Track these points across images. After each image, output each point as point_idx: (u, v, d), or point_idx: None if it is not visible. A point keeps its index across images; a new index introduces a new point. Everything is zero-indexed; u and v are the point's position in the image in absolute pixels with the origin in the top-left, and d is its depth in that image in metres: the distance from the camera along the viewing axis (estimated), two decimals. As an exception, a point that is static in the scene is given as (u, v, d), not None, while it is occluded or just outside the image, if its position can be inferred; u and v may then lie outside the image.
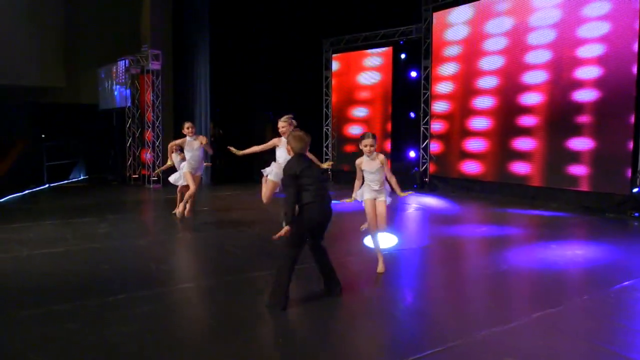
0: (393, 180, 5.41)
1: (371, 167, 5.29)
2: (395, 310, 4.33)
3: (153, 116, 13.89)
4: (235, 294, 4.71)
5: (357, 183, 5.54)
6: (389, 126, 14.51)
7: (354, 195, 5.56)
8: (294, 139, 4.45)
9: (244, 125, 15.92)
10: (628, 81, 9.31)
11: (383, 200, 5.38)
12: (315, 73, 15.92)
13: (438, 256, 6.38)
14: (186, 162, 7.89)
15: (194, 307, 4.37)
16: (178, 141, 7.99)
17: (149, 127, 14.09)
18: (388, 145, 14.53)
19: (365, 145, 5.21)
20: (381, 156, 5.32)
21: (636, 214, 9.09)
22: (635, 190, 9.22)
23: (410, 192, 5.52)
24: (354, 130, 15.32)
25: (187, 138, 7.80)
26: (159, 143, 13.88)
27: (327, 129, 15.98)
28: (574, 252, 6.91)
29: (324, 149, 16.04)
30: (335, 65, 15.69)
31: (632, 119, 9.30)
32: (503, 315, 4.23)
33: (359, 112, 15.17)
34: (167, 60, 14.17)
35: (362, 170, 5.39)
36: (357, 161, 5.41)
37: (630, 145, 9.32)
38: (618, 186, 9.49)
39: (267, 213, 9.56)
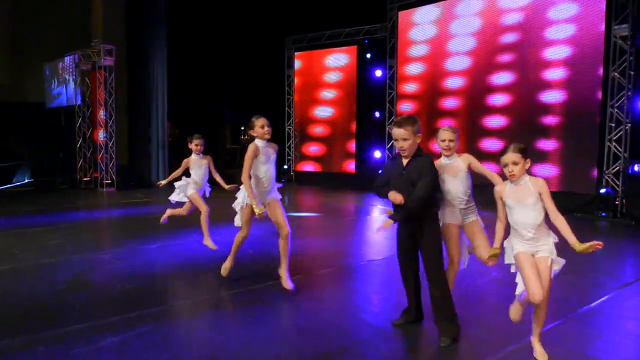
0: (562, 224, 3.18)
1: (521, 197, 3.24)
2: (364, 332, 4.01)
3: (106, 115, 13.07)
4: (216, 317, 4.26)
5: (499, 227, 3.43)
6: (354, 126, 14.27)
7: (494, 250, 3.41)
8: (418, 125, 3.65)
9: (203, 124, 15.29)
10: (594, 83, 9.41)
11: (546, 257, 3.25)
12: (278, 71, 15.48)
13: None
14: (191, 181, 6.12)
15: (172, 337, 3.89)
16: (186, 162, 6.16)
17: (101, 126, 13.24)
18: (352, 146, 14.30)
19: (506, 165, 3.24)
20: (539, 181, 3.25)
21: (603, 214, 9.21)
22: (602, 190, 9.34)
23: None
24: (318, 130, 15.00)
25: (194, 156, 6.15)
26: (112, 144, 13.08)
27: (290, 129, 15.59)
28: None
29: (286, 149, 15.64)
30: (298, 64, 15.30)
31: (598, 119, 9.41)
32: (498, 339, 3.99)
33: (323, 111, 14.86)
34: (121, 56, 13.36)
35: (504, 204, 3.37)
36: (497, 189, 3.37)
37: (597, 145, 9.44)
38: (585, 186, 9.60)
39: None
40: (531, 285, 3.23)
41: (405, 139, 3.59)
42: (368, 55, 14.13)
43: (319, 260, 6.21)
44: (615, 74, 9.19)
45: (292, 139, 15.55)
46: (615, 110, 9.29)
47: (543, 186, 3.27)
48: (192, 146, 6.20)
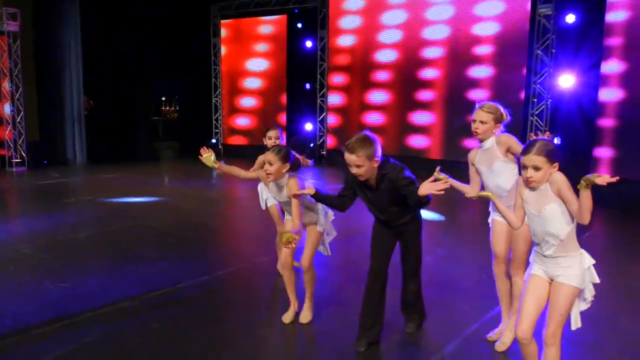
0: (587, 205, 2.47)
1: (540, 205, 2.64)
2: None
3: (12, 87, 11.78)
4: (170, 317, 3.99)
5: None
6: (284, 98, 13.97)
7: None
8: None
9: (121, 95, 14.30)
10: (519, 59, 9.80)
11: (567, 285, 2.64)
12: (203, 40, 14.71)
13: (344, 247, 5.88)
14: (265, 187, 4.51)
15: (124, 344, 3.59)
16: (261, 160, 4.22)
17: (7, 99, 11.94)
18: (283, 118, 14.03)
19: (525, 167, 2.61)
20: (556, 176, 2.58)
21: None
22: (524, 162, 9.86)
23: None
24: (246, 102, 14.54)
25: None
26: (21, 118, 11.87)
27: (217, 101, 14.98)
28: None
29: (214, 121, 15.05)
30: (224, 33, 14.61)
31: (522, 95, 9.85)
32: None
33: (252, 83, 14.38)
34: (26, 21, 12.01)
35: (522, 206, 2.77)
36: (522, 181, 2.71)
37: (521, 117, 9.90)
38: (509, 159, 10.08)
39: (169, 197, 8.55)
40: (521, 318, 2.76)
41: (358, 166, 3.11)
42: (299, 25, 13.76)
43: (243, 252, 5.96)
44: (539, 51, 9.62)
45: (220, 111, 14.97)
46: (538, 86, 9.76)
47: (560, 181, 2.57)
48: (267, 140, 4.72)
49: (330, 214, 3.92)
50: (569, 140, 9.42)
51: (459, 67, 10.65)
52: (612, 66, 8.75)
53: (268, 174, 3.58)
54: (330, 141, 13.21)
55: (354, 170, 3.16)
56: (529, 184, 2.64)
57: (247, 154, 14.72)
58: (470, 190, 3.45)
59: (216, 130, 15.07)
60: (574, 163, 9.27)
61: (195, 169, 8.85)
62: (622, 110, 8.72)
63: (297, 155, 3.84)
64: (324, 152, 13.37)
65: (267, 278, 4.87)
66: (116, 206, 8.01)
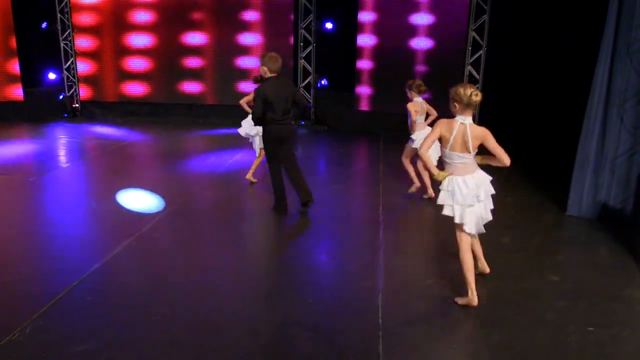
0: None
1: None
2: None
3: None
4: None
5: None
6: (14, 41, 11.51)
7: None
8: (271, 59, 5.10)
9: None
10: (287, 4, 10.37)
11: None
12: None
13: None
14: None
15: None
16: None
17: None
18: (16, 67, 11.63)
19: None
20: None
21: (302, 122, 10.72)
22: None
23: None
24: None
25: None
26: None
27: None
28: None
29: None
30: None
31: (292, 40, 10.51)
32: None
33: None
34: None
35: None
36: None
37: (292, 63, 10.61)
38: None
39: None
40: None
41: None
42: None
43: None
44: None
45: None
46: (304, 31, 10.52)
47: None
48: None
49: None
50: (335, 80, 10.65)
51: (226, 12, 10.61)
52: (366, 16, 10.07)
53: None
54: (84, 92, 11.67)
55: None
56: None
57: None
58: None
59: None
60: (339, 100, 10.62)
61: None
62: (376, 54, 10.20)
63: None
64: (77, 105, 11.76)
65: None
66: None
